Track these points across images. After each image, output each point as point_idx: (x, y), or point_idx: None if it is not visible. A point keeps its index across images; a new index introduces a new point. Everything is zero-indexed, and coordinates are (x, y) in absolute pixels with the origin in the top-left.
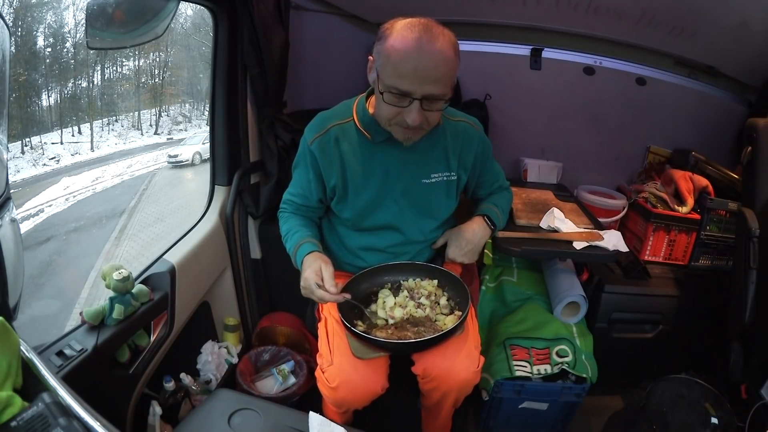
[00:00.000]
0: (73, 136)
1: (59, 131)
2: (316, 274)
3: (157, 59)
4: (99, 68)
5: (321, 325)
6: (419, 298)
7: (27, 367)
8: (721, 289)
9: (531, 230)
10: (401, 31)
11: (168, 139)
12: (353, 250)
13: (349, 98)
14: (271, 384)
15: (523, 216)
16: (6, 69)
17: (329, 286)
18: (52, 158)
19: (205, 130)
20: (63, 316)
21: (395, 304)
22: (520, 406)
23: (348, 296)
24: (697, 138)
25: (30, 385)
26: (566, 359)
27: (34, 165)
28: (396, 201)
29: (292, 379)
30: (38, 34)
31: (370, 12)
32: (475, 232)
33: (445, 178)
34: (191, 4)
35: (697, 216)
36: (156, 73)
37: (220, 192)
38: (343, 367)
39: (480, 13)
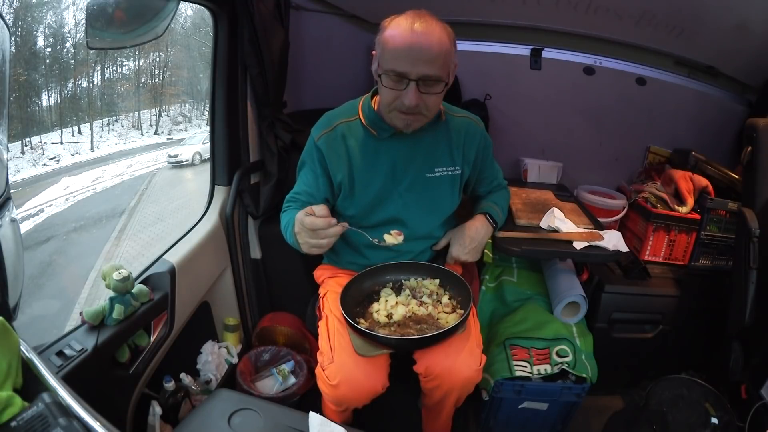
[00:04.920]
0: (73, 136)
1: (59, 131)
2: (306, 211)
3: (157, 59)
4: (99, 68)
5: (322, 323)
6: (421, 297)
7: (27, 367)
8: (721, 289)
9: (531, 230)
10: (397, 20)
11: (168, 139)
12: (357, 247)
13: (350, 98)
14: (271, 384)
15: (523, 216)
16: (6, 69)
17: (318, 211)
18: (52, 158)
19: (205, 130)
20: (63, 316)
21: (397, 302)
22: (520, 406)
23: (346, 225)
24: (697, 138)
25: (30, 385)
26: (566, 359)
27: (34, 165)
28: (401, 196)
29: (292, 379)
30: (38, 34)
31: (370, 12)
32: (478, 229)
33: (449, 173)
34: (191, 4)
35: (697, 216)
36: (156, 73)
37: (220, 192)
38: (344, 365)
39: (480, 13)
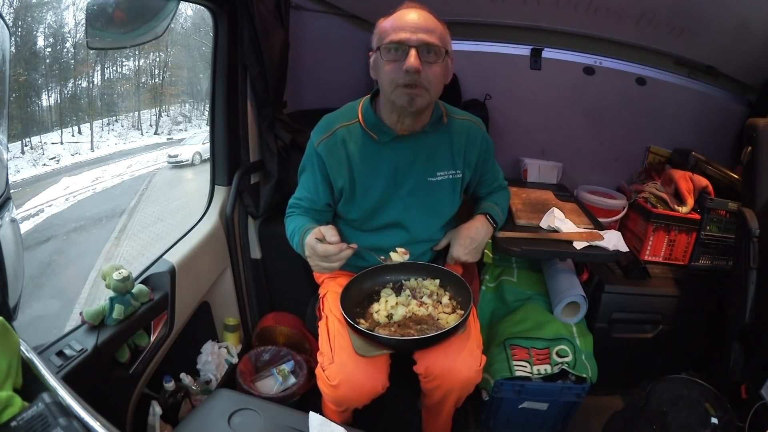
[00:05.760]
0: (73, 136)
1: (59, 131)
2: (315, 234)
3: (157, 59)
4: (99, 68)
5: (322, 324)
6: (421, 297)
7: (27, 367)
8: (721, 289)
9: (531, 230)
10: (390, 14)
11: (168, 139)
12: (358, 250)
13: (350, 98)
14: (271, 384)
15: (523, 216)
16: (6, 69)
17: (329, 237)
18: (52, 158)
19: (205, 130)
20: (63, 316)
21: (397, 303)
22: (520, 406)
23: (355, 246)
24: (697, 138)
25: (30, 385)
26: (566, 359)
27: (34, 165)
28: (402, 200)
29: (292, 379)
30: (38, 34)
31: (370, 12)
32: (479, 230)
33: (450, 176)
34: (191, 4)
35: (697, 216)
36: (156, 73)
37: (220, 192)
38: (344, 365)
39: (480, 13)
